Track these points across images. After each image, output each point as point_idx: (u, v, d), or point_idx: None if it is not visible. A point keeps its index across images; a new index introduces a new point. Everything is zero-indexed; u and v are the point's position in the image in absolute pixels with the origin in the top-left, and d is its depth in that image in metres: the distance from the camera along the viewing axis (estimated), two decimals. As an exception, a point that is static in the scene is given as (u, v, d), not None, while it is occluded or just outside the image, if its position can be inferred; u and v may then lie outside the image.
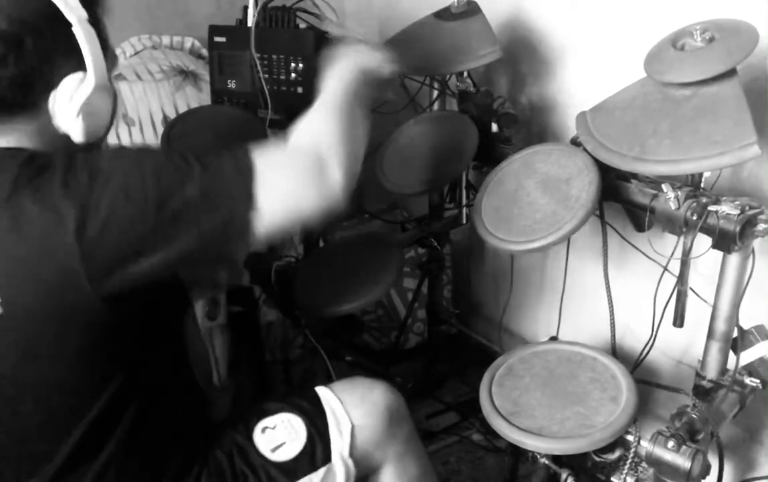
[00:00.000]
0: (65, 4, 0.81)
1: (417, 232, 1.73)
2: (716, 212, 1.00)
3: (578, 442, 1.00)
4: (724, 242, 1.01)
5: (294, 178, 0.84)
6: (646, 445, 1.01)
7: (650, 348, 1.25)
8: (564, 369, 1.14)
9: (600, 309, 1.25)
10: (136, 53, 1.95)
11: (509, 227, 1.16)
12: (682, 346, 1.38)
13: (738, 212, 0.99)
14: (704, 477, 1.01)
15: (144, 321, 0.89)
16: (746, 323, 1.11)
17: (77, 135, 0.85)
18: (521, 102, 1.70)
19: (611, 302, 1.23)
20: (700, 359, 1.13)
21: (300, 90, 1.55)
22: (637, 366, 1.27)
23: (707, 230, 1.02)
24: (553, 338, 1.30)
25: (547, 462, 1.14)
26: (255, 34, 1.51)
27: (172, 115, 1.80)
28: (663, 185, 1.06)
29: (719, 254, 1.04)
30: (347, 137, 0.88)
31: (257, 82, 1.55)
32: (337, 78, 0.98)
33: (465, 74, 1.54)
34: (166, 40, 2.01)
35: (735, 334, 1.11)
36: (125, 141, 1.76)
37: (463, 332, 1.97)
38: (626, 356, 1.31)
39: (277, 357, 1.81)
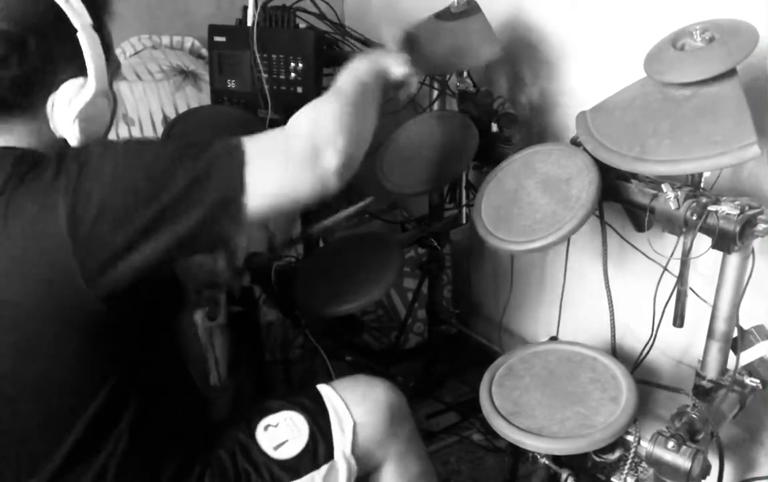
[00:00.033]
0: (70, 8, 0.81)
1: (417, 232, 1.73)
2: (716, 212, 1.00)
3: (578, 442, 1.00)
4: (723, 242, 1.01)
5: (284, 162, 0.83)
6: (646, 445, 1.01)
7: (650, 348, 1.25)
8: (564, 369, 1.14)
9: (600, 309, 1.25)
10: (136, 53, 1.95)
11: (509, 227, 1.16)
12: (682, 346, 1.38)
13: (738, 212, 0.99)
14: (704, 477, 1.01)
15: (143, 321, 0.89)
16: (746, 323, 1.11)
17: (73, 139, 0.85)
18: (521, 102, 1.70)
19: (611, 302, 1.23)
20: (700, 359, 1.13)
21: (300, 90, 1.55)
22: (637, 366, 1.27)
23: (707, 230, 1.02)
24: (553, 338, 1.30)
25: (547, 462, 1.14)
26: (255, 34, 1.51)
27: (172, 115, 1.80)
28: (663, 185, 1.06)
29: (719, 254, 1.04)
30: (351, 125, 0.87)
31: (257, 82, 1.55)
32: (353, 70, 0.99)
33: (465, 74, 1.54)
34: (166, 40, 2.01)
35: (735, 334, 1.11)
36: (125, 141, 1.76)
37: (463, 332, 1.96)
38: (626, 356, 1.31)
39: (277, 357, 1.81)
